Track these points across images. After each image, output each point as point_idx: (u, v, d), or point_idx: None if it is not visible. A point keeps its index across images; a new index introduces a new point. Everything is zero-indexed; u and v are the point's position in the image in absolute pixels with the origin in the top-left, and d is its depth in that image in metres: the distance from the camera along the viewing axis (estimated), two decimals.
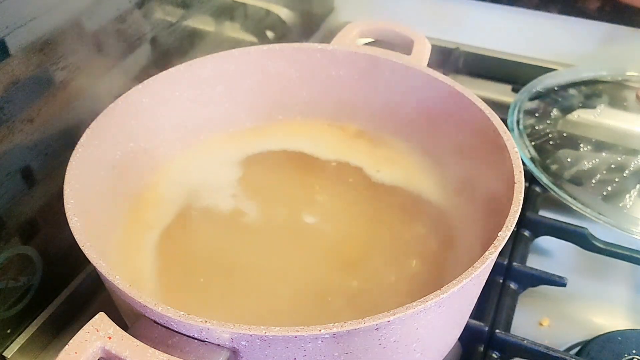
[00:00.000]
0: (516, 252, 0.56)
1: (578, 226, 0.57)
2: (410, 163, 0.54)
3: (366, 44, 0.62)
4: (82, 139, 0.45)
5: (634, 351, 0.49)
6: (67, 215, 0.39)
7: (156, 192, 0.52)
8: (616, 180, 0.60)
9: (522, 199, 0.40)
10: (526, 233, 0.58)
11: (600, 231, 0.57)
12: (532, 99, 0.68)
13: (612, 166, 0.61)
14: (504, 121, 0.48)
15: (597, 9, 0.76)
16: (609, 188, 0.58)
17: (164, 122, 0.53)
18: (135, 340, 0.32)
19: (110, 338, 0.32)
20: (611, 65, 0.73)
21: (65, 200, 0.40)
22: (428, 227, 0.49)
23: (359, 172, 0.54)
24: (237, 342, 0.33)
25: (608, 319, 0.54)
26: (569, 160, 0.62)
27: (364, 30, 0.60)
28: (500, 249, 0.37)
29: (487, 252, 0.36)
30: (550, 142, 0.63)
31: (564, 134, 0.65)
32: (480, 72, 0.80)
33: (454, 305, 0.37)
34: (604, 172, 0.60)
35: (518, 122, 0.64)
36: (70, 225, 0.38)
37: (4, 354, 0.47)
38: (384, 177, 0.53)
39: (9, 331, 0.47)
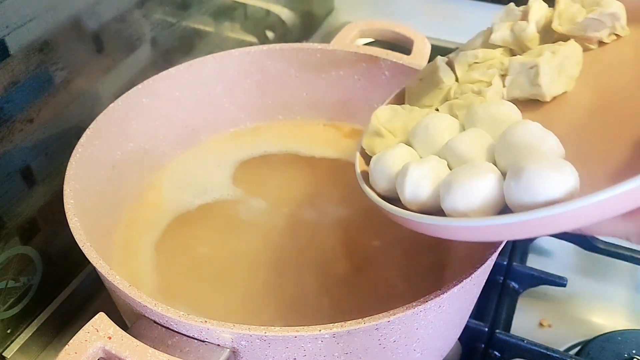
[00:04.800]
0: (516, 252, 0.56)
1: None
2: None
3: (366, 44, 0.62)
4: (82, 139, 0.45)
5: (634, 351, 0.49)
6: (67, 215, 0.39)
7: (156, 192, 0.52)
8: None
9: None
10: None
11: None
12: None
13: None
14: None
15: None
16: None
17: (164, 122, 0.53)
18: (135, 340, 0.32)
19: (110, 338, 0.32)
20: None
21: (65, 200, 0.40)
22: None
23: None
24: (237, 342, 0.33)
25: (608, 319, 0.54)
26: None
27: (364, 30, 0.60)
28: (500, 249, 0.37)
29: (487, 252, 0.36)
30: None
31: None
32: None
33: (454, 305, 0.37)
34: None
35: None
36: (70, 225, 0.38)
37: (4, 354, 0.47)
38: None
39: (9, 331, 0.47)
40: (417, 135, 0.35)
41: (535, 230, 0.28)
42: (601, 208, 0.25)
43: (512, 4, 0.40)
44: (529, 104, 0.36)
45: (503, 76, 0.37)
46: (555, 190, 0.27)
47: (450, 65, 0.39)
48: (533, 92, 0.35)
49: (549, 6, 0.39)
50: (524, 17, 0.38)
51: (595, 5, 0.37)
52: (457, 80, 0.39)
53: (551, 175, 0.27)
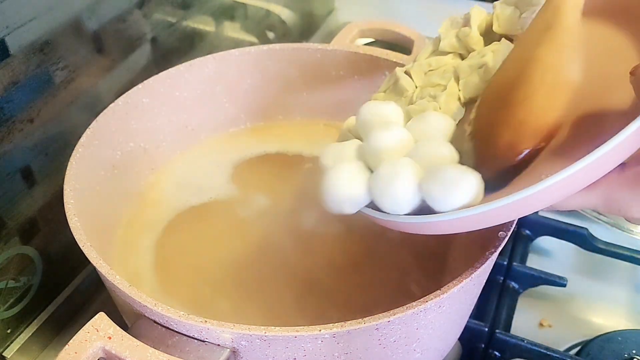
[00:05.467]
0: (516, 252, 0.56)
1: (578, 226, 0.57)
2: None
3: (366, 44, 0.62)
4: (82, 139, 0.45)
5: (634, 351, 0.49)
6: (67, 215, 0.39)
7: (156, 192, 0.52)
8: None
9: None
10: (526, 233, 0.58)
11: (600, 231, 0.57)
12: None
13: None
14: None
15: None
16: None
17: (164, 122, 0.53)
18: (135, 340, 0.32)
19: (110, 338, 0.32)
20: None
21: (65, 200, 0.40)
22: None
23: None
24: (237, 342, 0.33)
25: (608, 319, 0.54)
26: None
27: (364, 30, 0.60)
28: (500, 249, 0.37)
29: (487, 252, 0.36)
30: None
31: None
32: None
33: (454, 305, 0.37)
34: None
35: None
36: (70, 225, 0.38)
37: (4, 354, 0.47)
38: None
39: (9, 331, 0.47)
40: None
41: (505, 217, 0.31)
42: (556, 191, 0.28)
43: (453, 15, 0.43)
44: None
45: (458, 78, 0.39)
46: (461, 199, 0.30)
47: (409, 75, 0.42)
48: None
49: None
50: (466, 23, 0.41)
51: (528, 5, 0.39)
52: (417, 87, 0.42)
53: (453, 191, 0.30)
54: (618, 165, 0.29)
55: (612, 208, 0.31)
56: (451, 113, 0.38)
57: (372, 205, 0.34)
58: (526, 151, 0.31)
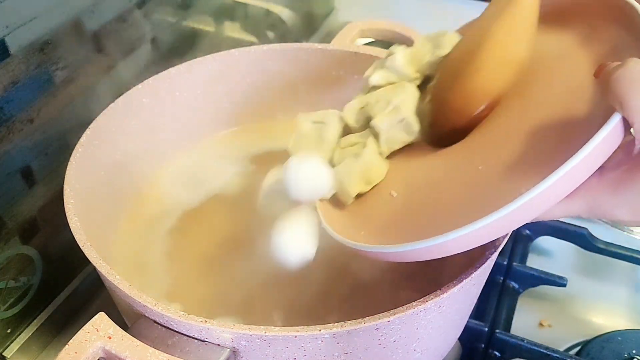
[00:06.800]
0: (516, 252, 0.56)
1: (578, 226, 0.57)
2: None
3: (366, 44, 0.62)
4: (82, 139, 0.45)
5: (634, 351, 0.49)
6: (67, 215, 0.39)
7: (156, 192, 0.52)
8: None
9: None
10: (526, 233, 0.58)
11: (600, 231, 0.57)
12: None
13: None
14: None
15: None
16: None
17: (164, 122, 0.53)
18: (135, 340, 0.32)
19: (110, 338, 0.32)
20: None
21: (65, 200, 0.40)
22: None
23: None
24: (237, 342, 0.33)
25: (608, 319, 0.54)
26: None
27: (364, 30, 0.60)
28: (500, 249, 0.37)
29: (487, 252, 0.36)
30: None
31: None
32: None
33: (454, 305, 0.37)
34: None
35: None
36: (70, 225, 0.38)
37: (4, 353, 0.47)
38: None
39: (9, 331, 0.47)
40: None
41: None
42: (540, 201, 0.29)
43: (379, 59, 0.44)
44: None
45: (377, 135, 0.40)
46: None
47: (344, 121, 0.42)
48: (414, 138, 0.39)
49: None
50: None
51: (439, 47, 0.41)
52: (354, 125, 0.42)
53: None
54: (596, 170, 0.29)
55: (596, 213, 0.32)
56: (378, 169, 0.39)
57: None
58: (474, 114, 0.36)
